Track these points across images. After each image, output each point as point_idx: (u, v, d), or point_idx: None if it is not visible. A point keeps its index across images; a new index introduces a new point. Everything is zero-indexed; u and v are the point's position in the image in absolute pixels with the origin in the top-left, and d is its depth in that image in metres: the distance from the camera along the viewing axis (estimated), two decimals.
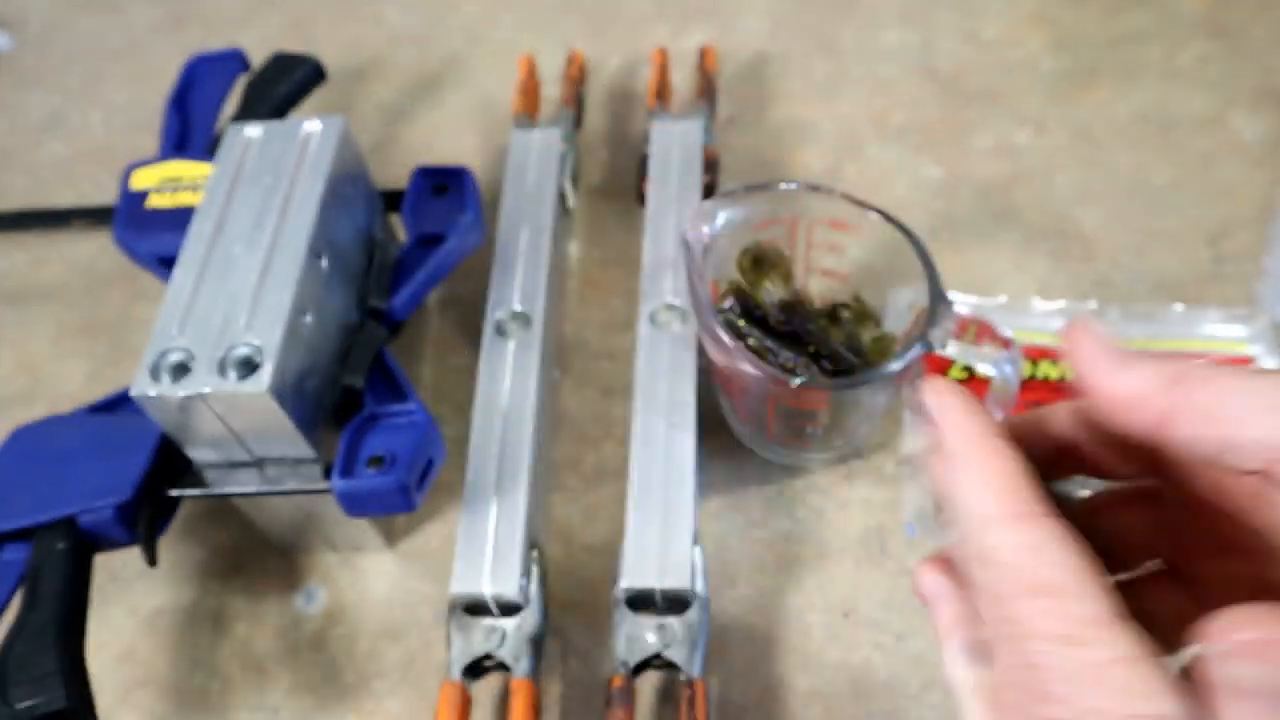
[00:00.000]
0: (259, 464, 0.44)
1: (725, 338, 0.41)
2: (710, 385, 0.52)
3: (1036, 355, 0.52)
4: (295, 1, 0.80)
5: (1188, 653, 0.20)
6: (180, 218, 0.50)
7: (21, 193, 0.70)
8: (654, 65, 0.64)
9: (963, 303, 0.45)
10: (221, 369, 0.40)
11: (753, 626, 0.47)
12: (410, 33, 0.76)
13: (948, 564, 0.26)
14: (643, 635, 0.42)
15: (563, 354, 0.57)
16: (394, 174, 0.66)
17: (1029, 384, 0.51)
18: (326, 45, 0.76)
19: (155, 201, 0.53)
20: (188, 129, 0.58)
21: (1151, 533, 0.26)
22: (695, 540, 0.44)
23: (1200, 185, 0.60)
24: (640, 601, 0.43)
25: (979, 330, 0.40)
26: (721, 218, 0.45)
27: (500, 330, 0.51)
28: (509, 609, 0.44)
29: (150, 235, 0.51)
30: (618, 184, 0.65)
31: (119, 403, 0.48)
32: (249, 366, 0.40)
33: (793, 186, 0.46)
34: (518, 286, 0.52)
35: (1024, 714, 0.20)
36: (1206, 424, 0.21)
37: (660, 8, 0.75)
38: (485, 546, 0.44)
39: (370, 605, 0.49)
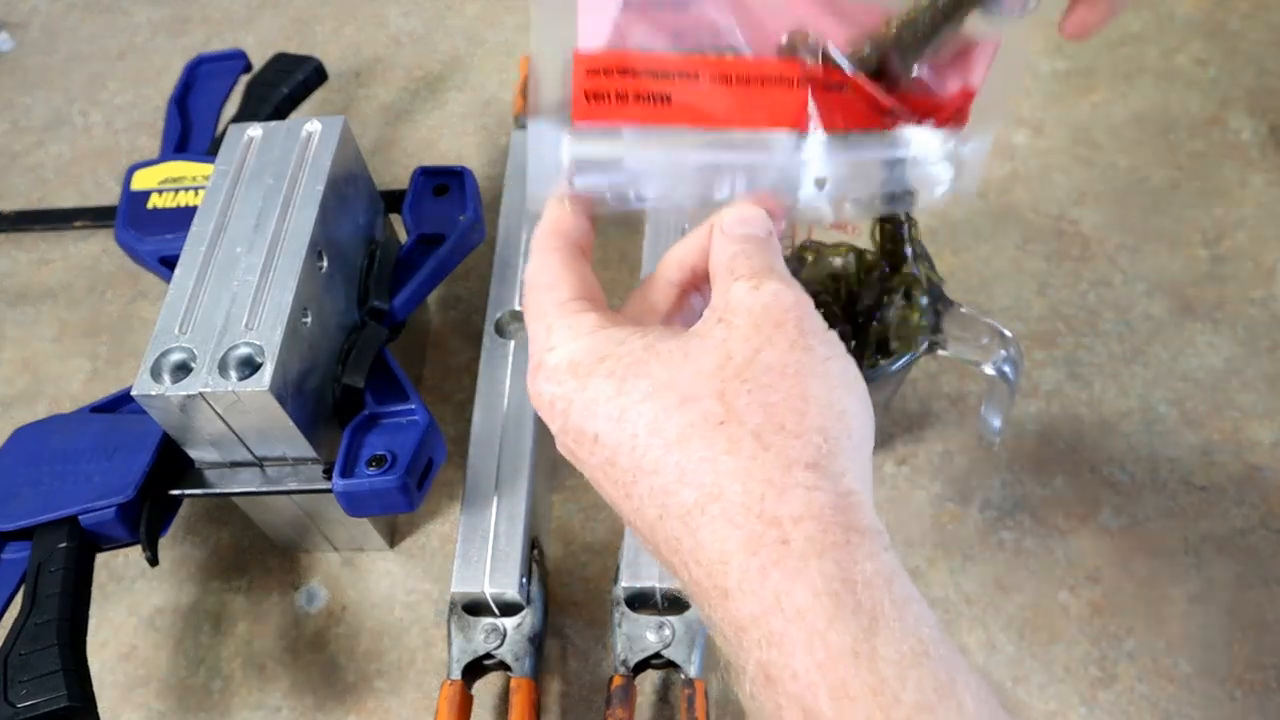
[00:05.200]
0: (260, 464, 0.44)
1: None
2: None
3: None
4: (297, 3, 0.80)
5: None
6: (182, 218, 0.50)
7: (24, 193, 0.70)
8: None
9: None
10: (222, 369, 0.40)
11: None
12: (411, 34, 0.76)
13: None
14: (643, 634, 0.42)
15: None
16: (395, 174, 0.67)
17: None
18: (328, 46, 0.76)
19: (157, 202, 0.53)
20: (189, 129, 0.59)
21: None
22: None
23: (1198, 186, 0.60)
24: (640, 600, 0.44)
25: None
26: None
27: (500, 330, 0.51)
28: (509, 608, 0.44)
29: (152, 235, 0.51)
30: None
31: (120, 402, 0.48)
32: (250, 366, 0.40)
33: None
34: (518, 286, 0.52)
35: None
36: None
37: None
38: (486, 546, 0.44)
39: (371, 605, 0.49)
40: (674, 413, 0.25)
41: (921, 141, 0.33)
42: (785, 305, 0.26)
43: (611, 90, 0.30)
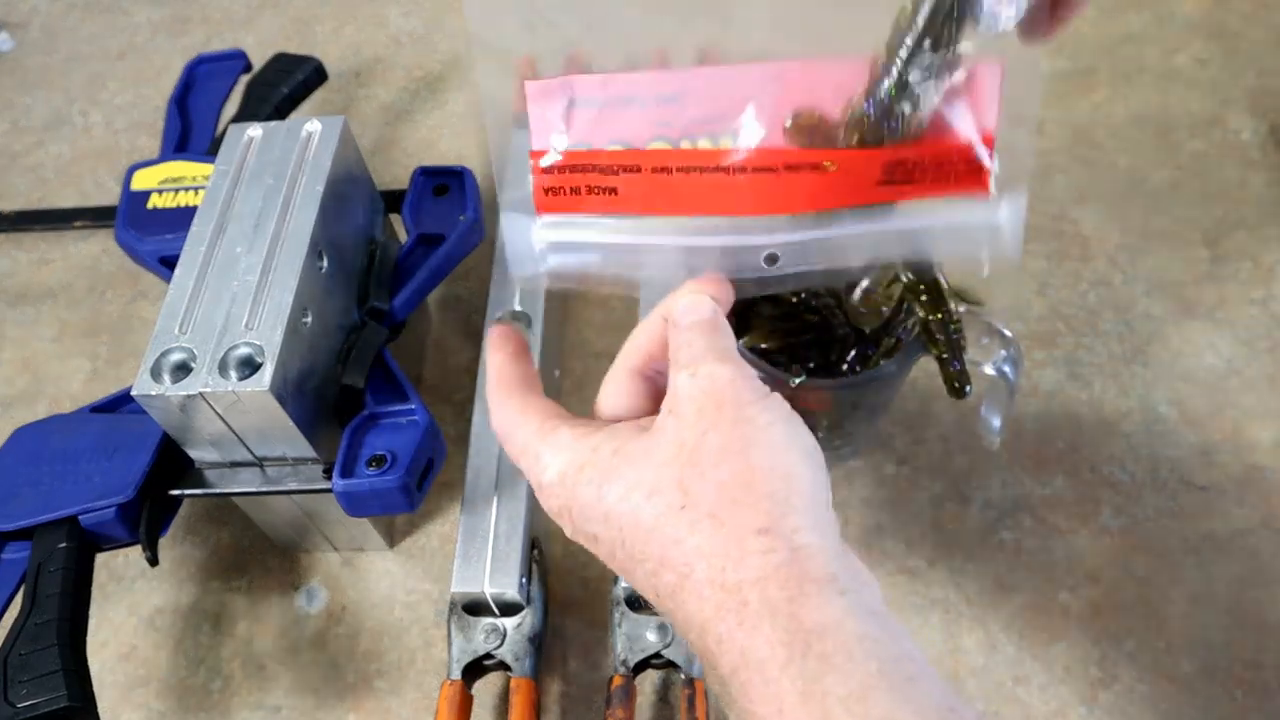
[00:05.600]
0: (260, 464, 0.44)
1: None
2: None
3: None
4: (297, 3, 0.80)
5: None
6: (182, 218, 0.50)
7: (24, 193, 0.70)
8: (655, 65, 0.64)
9: None
10: (222, 369, 0.40)
11: None
12: (411, 34, 0.76)
13: None
14: (643, 634, 0.42)
15: (563, 354, 0.57)
16: (395, 174, 0.67)
17: None
18: (328, 46, 0.76)
19: (157, 202, 0.53)
20: (189, 129, 0.59)
21: None
22: None
23: (1198, 186, 0.60)
24: (640, 600, 0.44)
25: None
26: None
27: None
28: (509, 608, 0.44)
29: (152, 235, 0.51)
30: None
31: (120, 402, 0.48)
32: (250, 366, 0.40)
33: None
34: (518, 286, 0.52)
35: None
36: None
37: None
38: (486, 546, 0.44)
39: (371, 605, 0.49)
40: (645, 506, 0.28)
41: (928, 212, 0.33)
42: (721, 385, 0.29)
43: (566, 185, 0.33)
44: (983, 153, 0.32)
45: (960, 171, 0.32)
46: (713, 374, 0.29)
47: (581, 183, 0.33)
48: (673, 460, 0.28)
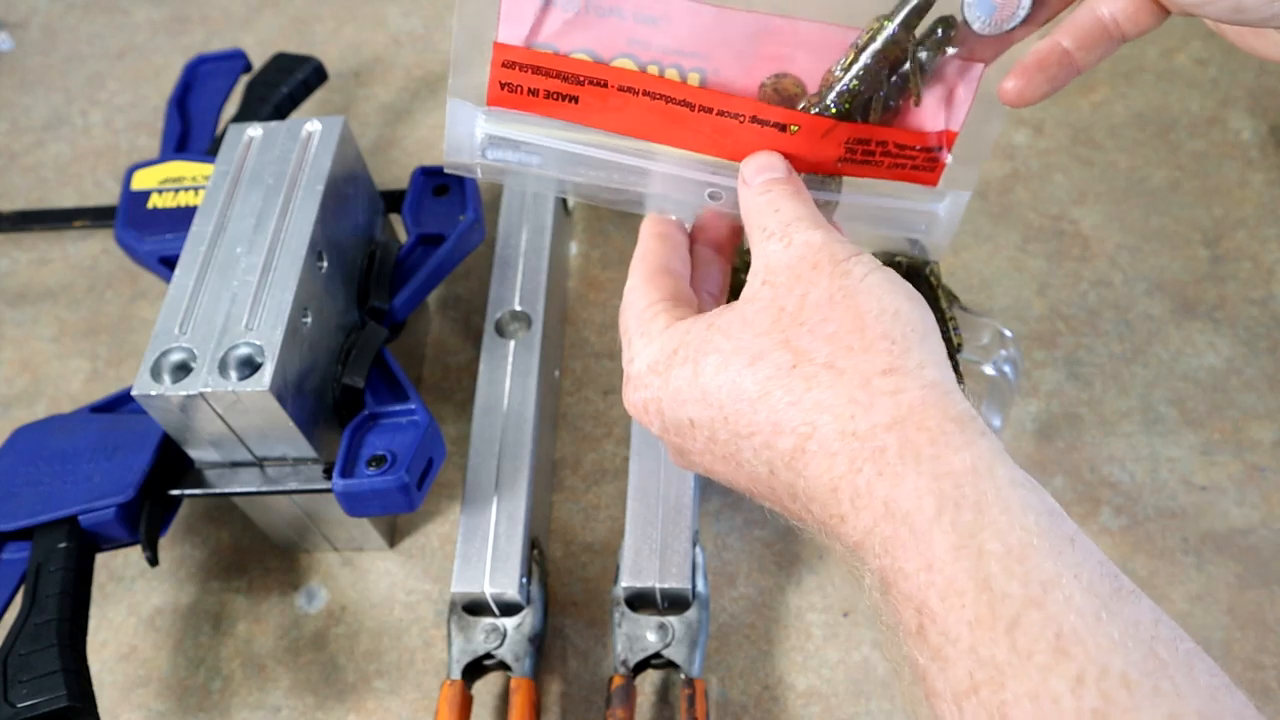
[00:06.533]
0: (260, 464, 0.44)
1: None
2: None
3: None
4: (297, 3, 0.80)
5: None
6: (181, 218, 0.50)
7: (23, 193, 0.70)
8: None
9: None
10: (222, 369, 0.40)
11: (753, 626, 0.47)
12: (411, 34, 0.76)
13: None
14: (643, 634, 0.42)
15: (563, 354, 0.57)
16: (395, 174, 0.67)
17: None
18: (328, 46, 0.76)
19: (156, 201, 0.53)
20: (189, 129, 0.59)
21: None
22: (695, 540, 0.44)
23: (1198, 185, 0.60)
24: (640, 601, 0.44)
25: None
26: None
27: (500, 330, 0.51)
28: (509, 608, 0.44)
29: (152, 235, 0.51)
30: None
31: (120, 402, 0.48)
32: (250, 366, 0.40)
33: None
34: (518, 286, 0.52)
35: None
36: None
37: None
38: (486, 546, 0.44)
39: (371, 605, 0.49)
40: (747, 373, 0.26)
41: (871, 190, 0.34)
42: (816, 248, 0.28)
43: (525, 85, 0.32)
44: (943, 149, 0.33)
45: (917, 162, 0.33)
46: (808, 240, 0.28)
47: (542, 86, 0.32)
48: (773, 326, 0.27)
